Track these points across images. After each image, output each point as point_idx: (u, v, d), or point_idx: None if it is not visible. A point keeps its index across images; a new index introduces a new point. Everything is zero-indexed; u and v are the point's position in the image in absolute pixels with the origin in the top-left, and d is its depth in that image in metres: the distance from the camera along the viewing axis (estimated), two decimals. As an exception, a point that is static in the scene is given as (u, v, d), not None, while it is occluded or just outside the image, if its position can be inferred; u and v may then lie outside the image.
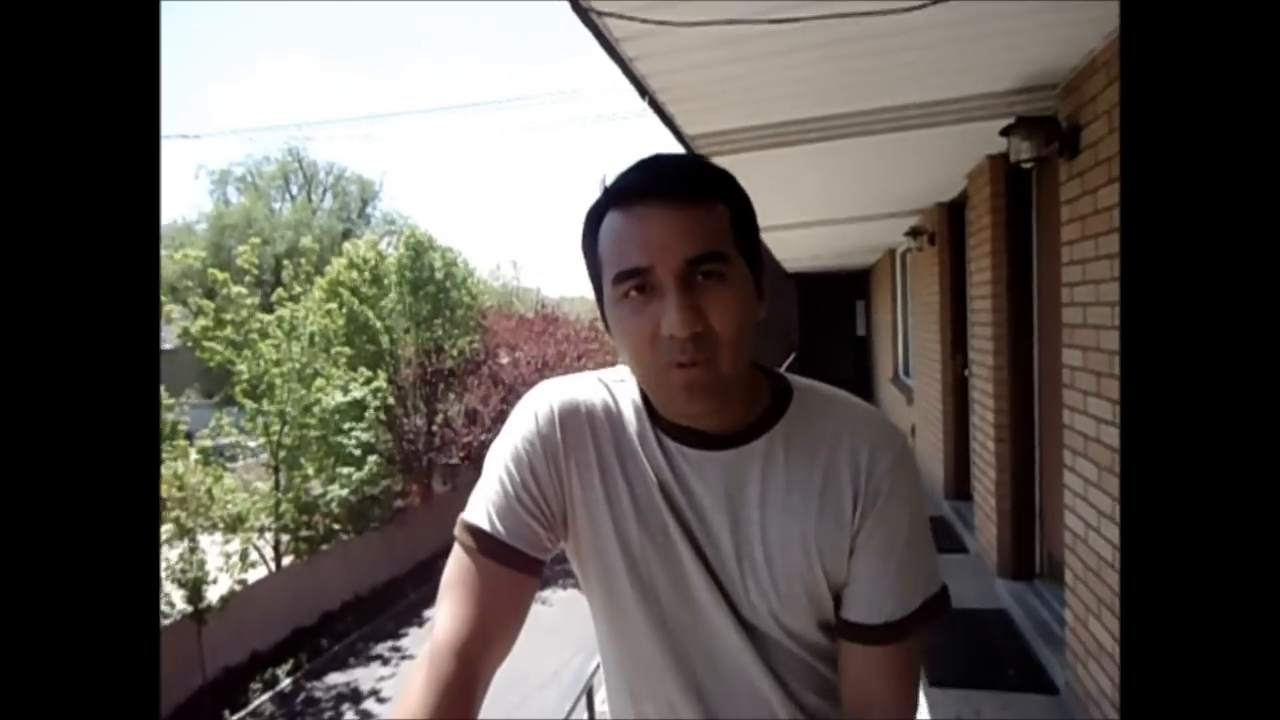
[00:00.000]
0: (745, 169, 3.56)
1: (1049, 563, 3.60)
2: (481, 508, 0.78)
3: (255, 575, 10.38)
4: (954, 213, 5.13)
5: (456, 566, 0.77)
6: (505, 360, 15.32)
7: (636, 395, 0.81)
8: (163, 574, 9.03)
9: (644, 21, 1.80)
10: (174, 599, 9.05)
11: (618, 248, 0.70)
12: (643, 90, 2.36)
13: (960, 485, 5.16)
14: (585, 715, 2.05)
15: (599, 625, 0.86)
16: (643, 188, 0.70)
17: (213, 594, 9.35)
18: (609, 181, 0.74)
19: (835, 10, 1.84)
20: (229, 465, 11.47)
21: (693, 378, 0.70)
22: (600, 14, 1.78)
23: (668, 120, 2.69)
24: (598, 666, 2.04)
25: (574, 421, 0.80)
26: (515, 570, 0.76)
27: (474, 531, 0.77)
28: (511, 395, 13.97)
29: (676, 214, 0.69)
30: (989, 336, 3.93)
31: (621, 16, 1.79)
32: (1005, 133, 2.74)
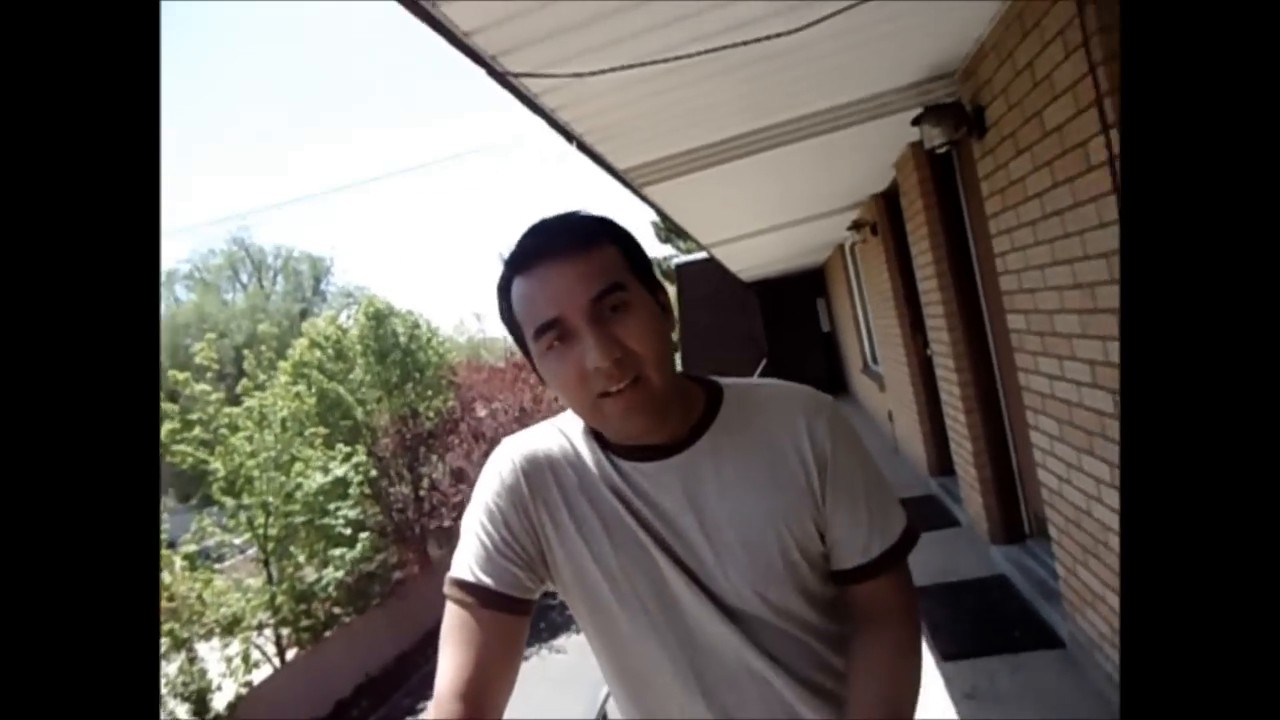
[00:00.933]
0: (683, 191, 3.69)
1: (1036, 522, 3.69)
2: (464, 563, 0.85)
3: (261, 675, 10.09)
4: (890, 202, 5.31)
5: (451, 620, 0.83)
6: (483, 413, 15.22)
7: (588, 430, 0.89)
8: (164, 689, 8.75)
9: (556, 76, 1.90)
10: (178, 714, 8.75)
11: (529, 308, 0.79)
12: (569, 136, 2.45)
13: (942, 461, 5.26)
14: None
15: (596, 652, 0.91)
16: (535, 251, 0.79)
17: (219, 702, 9.08)
18: (505, 255, 0.83)
19: (730, 40, 1.95)
20: (217, 567, 11.21)
21: (628, 400, 0.78)
22: (516, 75, 1.87)
23: (597, 159, 2.79)
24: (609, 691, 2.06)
25: (535, 469, 0.88)
26: (503, 612, 0.82)
27: (461, 585, 0.83)
28: (494, 448, 13.83)
29: (571, 264, 0.77)
30: (941, 314, 4.07)
31: (535, 75, 1.88)
32: (916, 122, 2.88)
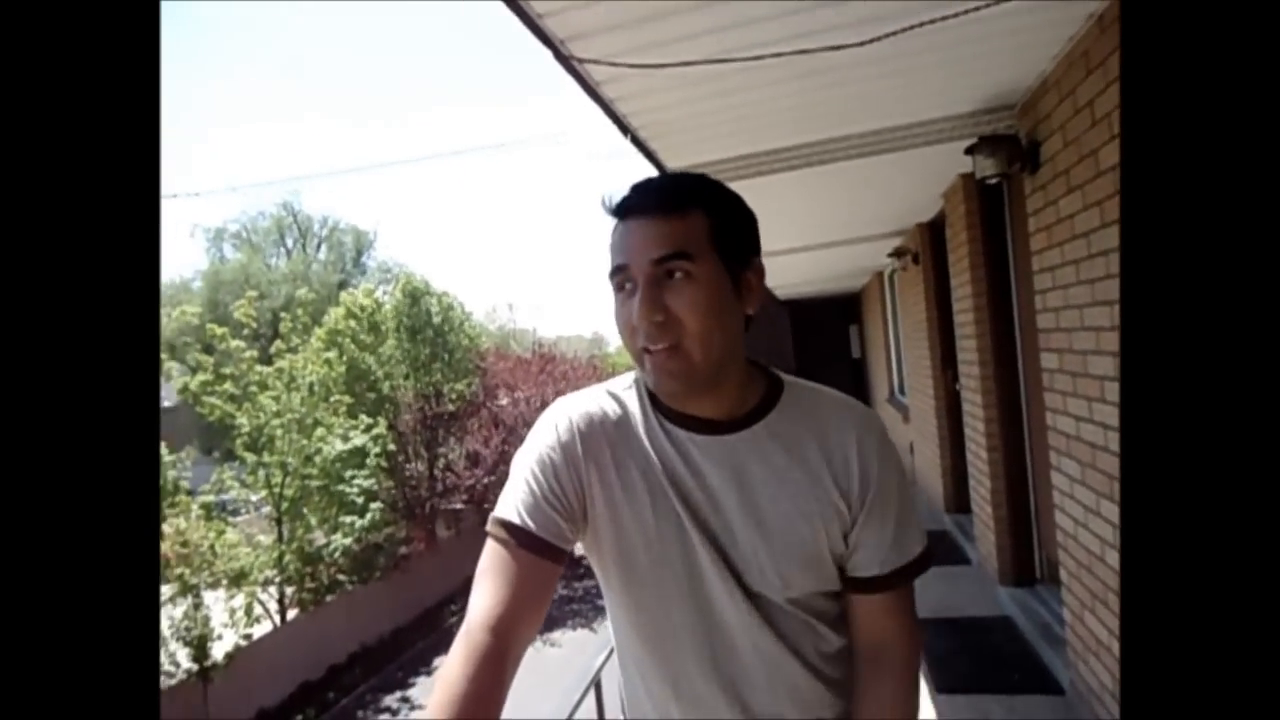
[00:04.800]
0: (728, 199, 3.72)
1: (1048, 567, 3.64)
2: (511, 505, 0.89)
3: (260, 630, 10.28)
4: (934, 232, 5.28)
5: (490, 557, 0.87)
6: (505, 401, 15.37)
7: (643, 395, 0.94)
8: (167, 632, 8.96)
9: (622, 66, 1.94)
10: (179, 658, 8.97)
11: (611, 251, 0.87)
12: (624, 128, 2.50)
13: (959, 498, 5.21)
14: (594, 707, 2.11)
15: (614, 604, 0.96)
16: (625, 203, 0.87)
17: (218, 651, 9.27)
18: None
19: (799, 46, 1.99)
20: (232, 520, 11.46)
21: (660, 361, 0.84)
22: (581, 60, 1.92)
23: (650, 155, 2.83)
24: (605, 660, 2.09)
25: (590, 430, 0.92)
26: (542, 557, 0.86)
27: (506, 525, 0.87)
28: (512, 436, 13.99)
29: (650, 223, 0.84)
30: (974, 349, 4.04)
31: (600, 62, 1.93)
32: (970, 151, 2.88)
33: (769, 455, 0.88)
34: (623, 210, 0.87)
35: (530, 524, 0.86)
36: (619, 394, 0.95)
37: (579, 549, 0.94)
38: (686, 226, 0.84)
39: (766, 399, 0.91)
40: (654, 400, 0.92)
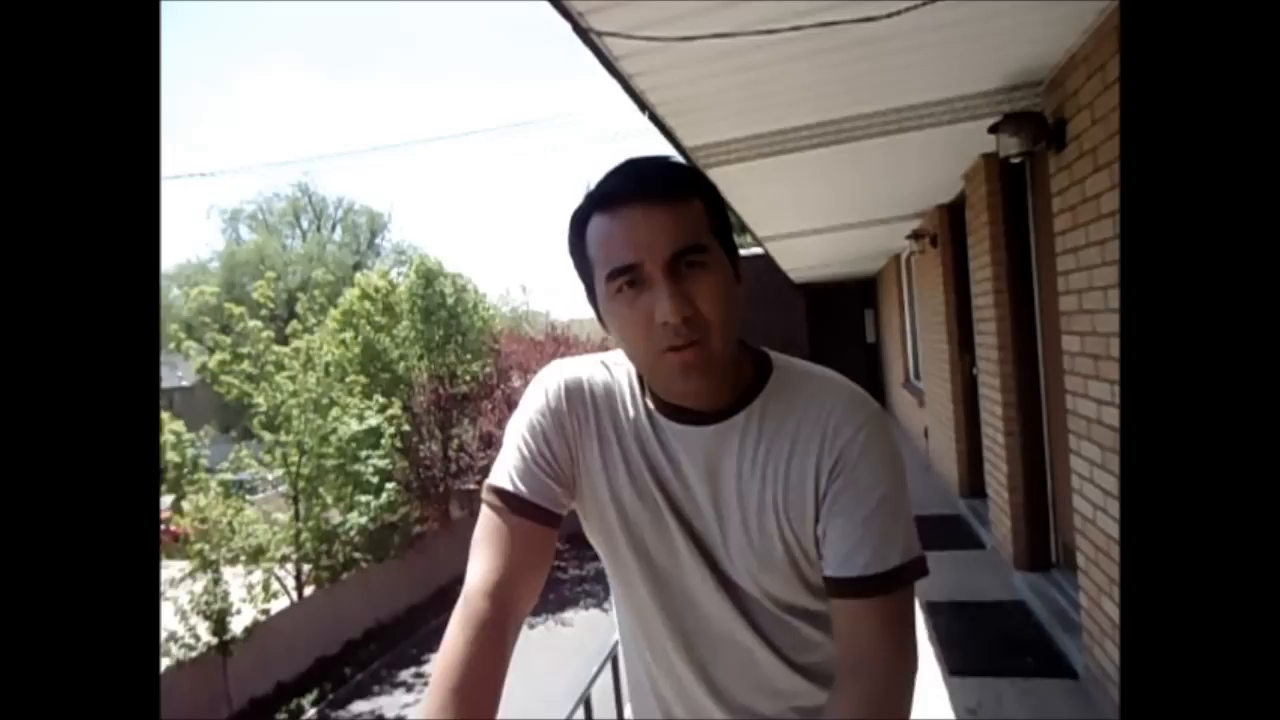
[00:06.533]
0: (745, 178, 3.68)
1: (1064, 552, 3.62)
2: (504, 472, 0.87)
3: (278, 606, 10.46)
4: (954, 214, 5.21)
5: (484, 524, 0.85)
6: (518, 383, 15.40)
7: (634, 375, 0.90)
8: (188, 606, 9.14)
9: (641, 39, 1.92)
10: (199, 631, 9.15)
11: (607, 248, 0.78)
12: (642, 105, 2.47)
13: (975, 483, 5.18)
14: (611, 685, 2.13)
15: (610, 576, 0.95)
16: (624, 190, 0.77)
17: (237, 625, 9.45)
18: (591, 187, 0.81)
19: (824, 19, 1.95)
20: (249, 498, 11.63)
21: (687, 359, 0.77)
22: (600, 34, 1.90)
23: (668, 133, 2.80)
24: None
25: (577, 395, 0.90)
26: (537, 523, 0.84)
27: (499, 492, 0.86)
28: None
29: (658, 212, 0.76)
30: (993, 332, 4.00)
31: (619, 35, 1.90)
32: (994, 129, 2.83)
33: (745, 448, 0.84)
34: (617, 198, 0.77)
35: (523, 489, 0.85)
36: (611, 367, 0.92)
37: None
38: (692, 214, 0.78)
39: (752, 386, 0.86)
40: (643, 383, 0.89)
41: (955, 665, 3.04)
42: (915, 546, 0.82)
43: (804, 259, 8.55)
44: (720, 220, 0.82)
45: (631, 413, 0.88)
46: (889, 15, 1.89)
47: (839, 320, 12.76)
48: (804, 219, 5.67)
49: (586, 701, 1.89)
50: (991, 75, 2.71)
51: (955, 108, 2.95)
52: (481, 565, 0.82)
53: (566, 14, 1.79)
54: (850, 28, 2.01)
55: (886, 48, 2.26)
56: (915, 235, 6.20)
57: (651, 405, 0.88)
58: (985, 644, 3.23)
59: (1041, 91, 2.77)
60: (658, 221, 0.76)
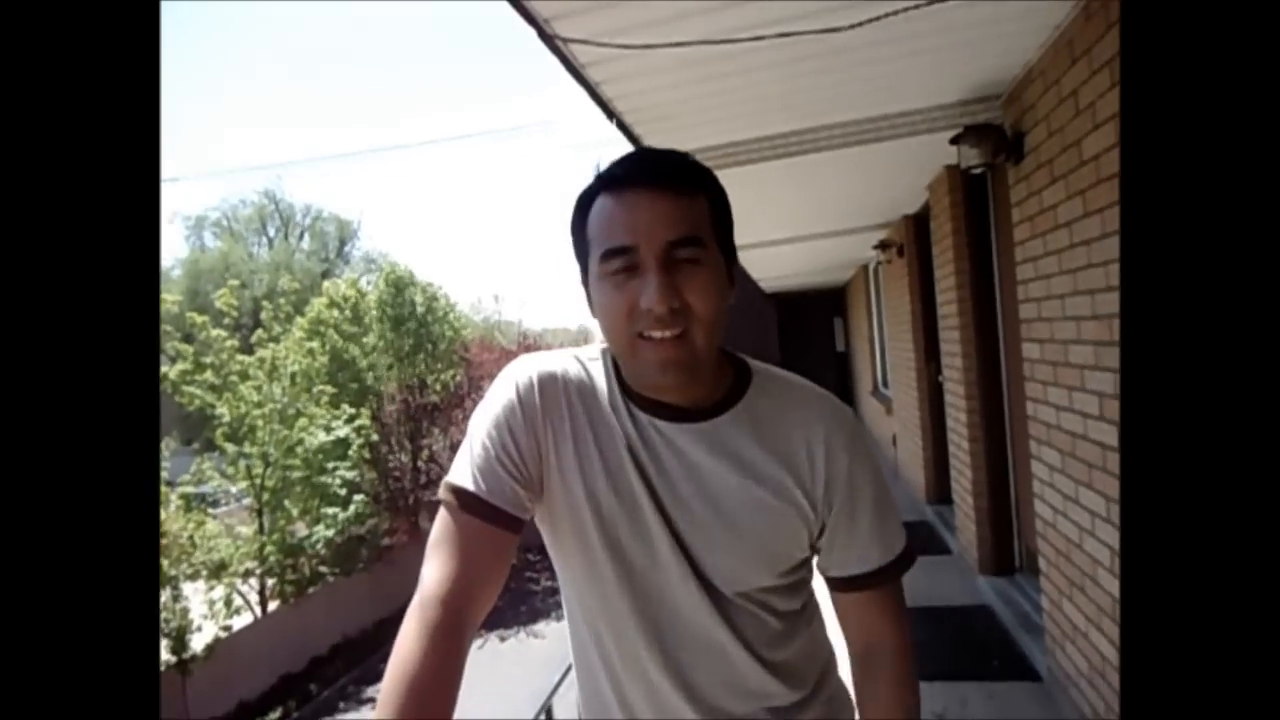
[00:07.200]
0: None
1: (1026, 556, 3.68)
2: (465, 469, 0.83)
3: (241, 622, 10.18)
4: (919, 224, 5.30)
5: (442, 525, 0.82)
6: (489, 393, 15.29)
7: (610, 370, 0.88)
8: (146, 624, 8.85)
9: (607, 46, 1.92)
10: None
11: (606, 228, 0.79)
12: (610, 113, 2.48)
13: (941, 489, 5.25)
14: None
15: (567, 583, 0.92)
16: (632, 175, 0.79)
17: (197, 643, 9.18)
18: (601, 169, 0.82)
19: (788, 29, 1.97)
20: (212, 511, 11.33)
21: (667, 351, 0.77)
22: (566, 40, 1.90)
23: (635, 141, 2.81)
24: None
25: (551, 390, 0.86)
26: (496, 526, 0.81)
27: (457, 491, 0.82)
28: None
29: (661, 200, 0.77)
30: (957, 340, 4.07)
31: (586, 42, 1.90)
32: (955, 141, 2.89)
33: (730, 447, 0.84)
34: (624, 181, 0.78)
35: (483, 488, 0.81)
36: (585, 361, 0.90)
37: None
38: (696, 209, 0.79)
39: (734, 389, 0.87)
40: (619, 378, 0.87)
41: (922, 670, 3.05)
42: (904, 534, 0.91)
43: (774, 268, 8.62)
44: (723, 222, 0.83)
45: (610, 409, 0.86)
46: (851, 26, 1.92)
47: (809, 329, 12.91)
48: (774, 228, 5.73)
49: (549, 711, 1.86)
50: (953, 88, 2.77)
51: (919, 120, 3.01)
52: (438, 570, 0.79)
53: (532, 20, 1.79)
54: (814, 39, 2.04)
55: (851, 59, 2.30)
56: (882, 245, 6.29)
57: (631, 401, 0.86)
58: (951, 648, 3.26)
59: (1001, 105, 2.83)
60: (660, 208, 0.77)
